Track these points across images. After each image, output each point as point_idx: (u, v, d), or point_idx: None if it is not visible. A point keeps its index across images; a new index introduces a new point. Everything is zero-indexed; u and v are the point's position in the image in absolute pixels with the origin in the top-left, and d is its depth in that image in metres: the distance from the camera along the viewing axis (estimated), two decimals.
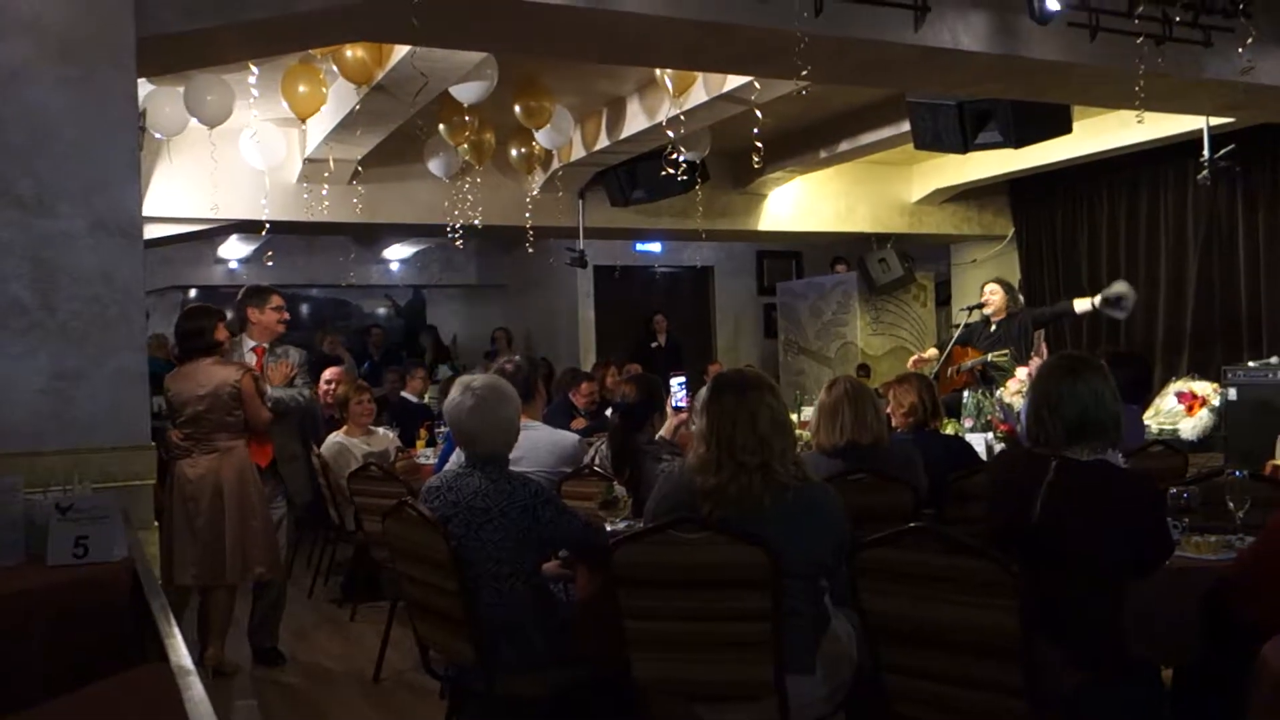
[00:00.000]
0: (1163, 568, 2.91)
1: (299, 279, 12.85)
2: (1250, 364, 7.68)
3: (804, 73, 4.75)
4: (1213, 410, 7.15)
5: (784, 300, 12.03)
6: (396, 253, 13.77)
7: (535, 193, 9.11)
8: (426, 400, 9.24)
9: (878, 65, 5.43)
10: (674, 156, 7.49)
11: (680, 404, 4.76)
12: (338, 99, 6.87)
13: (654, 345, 11.85)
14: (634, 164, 8.68)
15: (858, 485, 3.74)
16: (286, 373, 5.52)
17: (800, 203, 10.33)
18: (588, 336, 12.45)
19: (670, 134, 7.01)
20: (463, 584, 3.24)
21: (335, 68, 6.22)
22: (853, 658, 3.05)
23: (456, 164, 8.11)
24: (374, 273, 13.90)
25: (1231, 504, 3.23)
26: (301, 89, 6.53)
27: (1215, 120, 7.35)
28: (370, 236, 12.30)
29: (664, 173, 7.83)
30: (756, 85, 6.22)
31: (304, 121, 6.81)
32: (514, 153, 8.36)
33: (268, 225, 7.41)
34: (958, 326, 7.78)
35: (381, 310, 14.88)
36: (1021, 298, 8.34)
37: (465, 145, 7.56)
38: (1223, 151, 7.31)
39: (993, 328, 7.52)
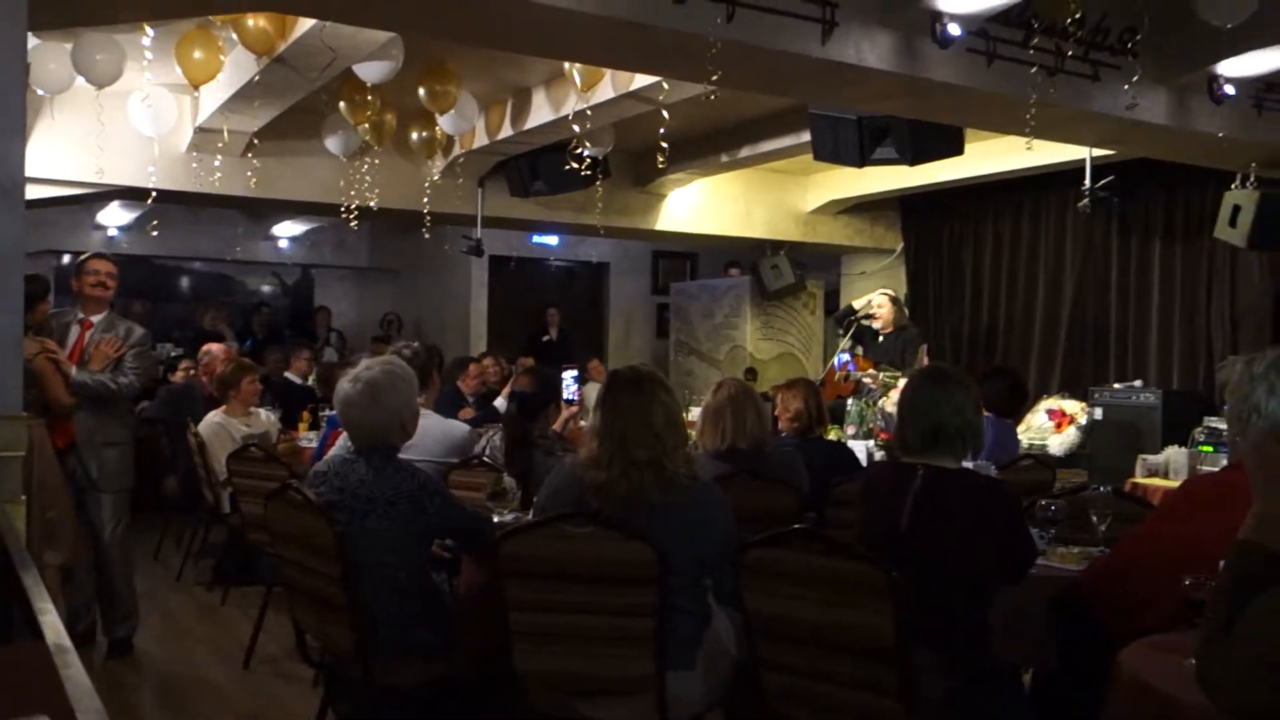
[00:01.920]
0: (1028, 575, 3.01)
1: (182, 251, 12.40)
2: (1116, 385, 8.05)
3: (714, 78, 4.77)
4: (1080, 428, 7.58)
5: (677, 300, 12.00)
6: (286, 230, 13.41)
7: (435, 178, 8.96)
8: (310, 382, 9.03)
9: (785, 75, 5.49)
10: (578, 151, 7.48)
11: (571, 397, 4.76)
12: (235, 68, 6.65)
13: (546, 339, 11.73)
14: (536, 156, 8.59)
15: (741, 487, 3.77)
16: (109, 352, 4.92)
17: (698, 205, 10.34)
18: (479, 326, 12.34)
19: (576, 128, 6.99)
20: (345, 571, 3.19)
21: (235, 35, 6.02)
22: (732, 655, 3.08)
23: (355, 143, 7.94)
24: (262, 249, 13.52)
25: (1095, 518, 3.33)
26: (197, 54, 6.31)
27: (1098, 151, 7.53)
28: (260, 212, 11.95)
29: (567, 167, 7.79)
30: (665, 86, 6.23)
31: (197, 89, 6.59)
32: (415, 136, 8.22)
33: (154, 194, 7.12)
34: (842, 334, 7.88)
35: (267, 288, 14.48)
36: (907, 312, 8.58)
37: (366, 125, 7.41)
38: (1103, 182, 7.52)
39: (880, 339, 7.70)
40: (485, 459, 4.34)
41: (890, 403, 6.44)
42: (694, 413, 5.94)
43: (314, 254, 13.92)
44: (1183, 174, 8.24)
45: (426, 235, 8.90)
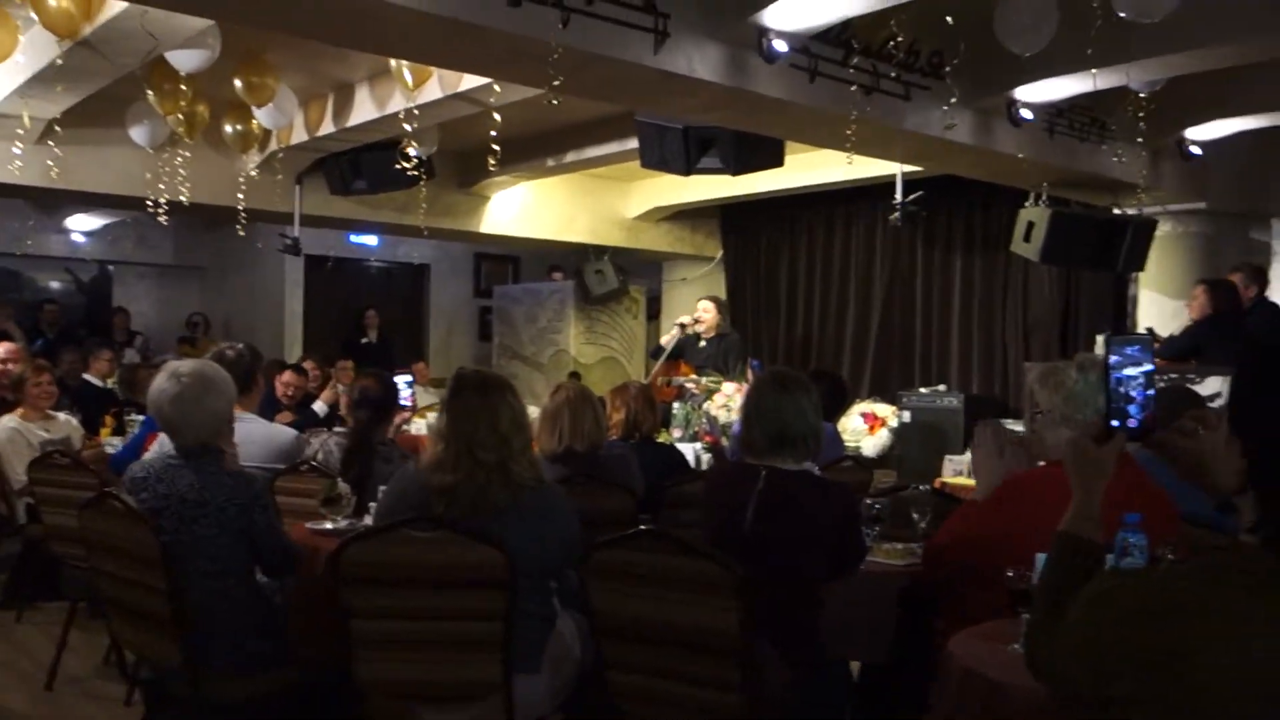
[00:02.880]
0: (856, 572, 3.13)
1: None
2: (922, 390, 8.32)
3: (555, 83, 4.77)
4: (890, 430, 7.77)
5: (500, 304, 11.90)
6: (82, 223, 12.60)
7: (251, 173, 8.63)
8: (111, 385, 8.52)
9: (617, 83, 5.54)
10: (404, 149, 7.36)
11: (406, 402, 4.68)
12: (34, 49, 6.21)
13: (364, 341, 11.47)
14: (358, 153, 8.39)
15: (578, 490, 3.80)
16: None
17: (523, 208, 10.28)
18: (294, 328, 11.93)
19: (407, 127, 6.87)
20: (172, 582, 3.06)
21: (34, 14, 5.62)
22: (576, 657, 3.10)
23: (164, 134, 7.55)
24: (54, 243, 12.68)
25: (915, 515, 3.49)
26: None
27: (908, 167, 7.74)
28: (53, 203, 11.25)
29: (395, 165, 7.65)
30: (496, 88, 6.18)
31: None
32: (230, 129, 7.88)
33: None
34: (666, 340, 7.90)
35: (59, 284, 13.56)
36: (729, 319, 8.55)
37: (177, 116, 7.05)
38: (912, 196, 7.77)
39: (702, 344, 7.76)
40: (315, 464, 4.21)
41: (715, 406, 6.55)
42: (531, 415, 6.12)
43: (113, 249, 13.15)
44: (984, 191, 8.50)
45: (242, 233, 8.59)
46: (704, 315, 7.76)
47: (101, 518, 3.23)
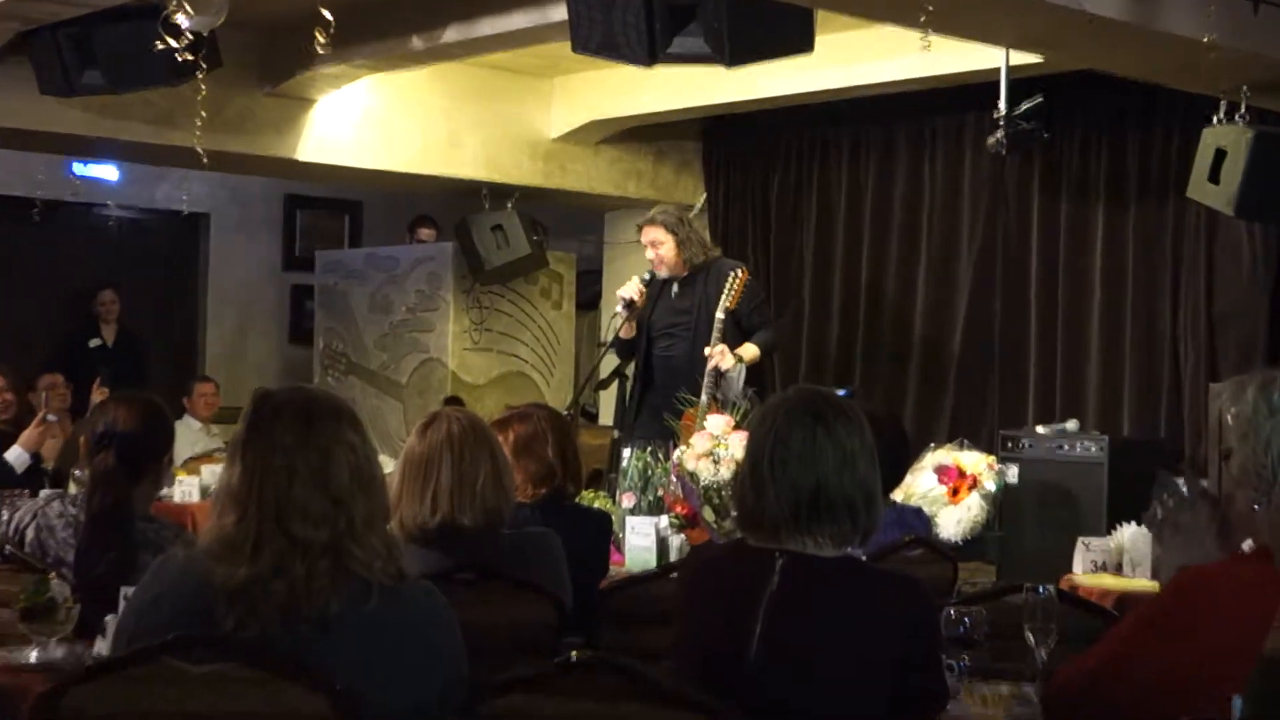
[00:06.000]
0: None
1: None
2: (1039, 429, 6.73)
3: None
4: (987, 495, 6.46)
5: (328, 280, 9.56)
6: None
7: None
8: None
9: None
10: (169, 18, 5.82)
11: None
12: None
13: (95, 344, 9.33)
14: (89, 26, 6.57)
15: (466, 592, 3.07)
16: None
17: (369, 122, 8.15)
18: None
19: None
20: None
21: None
22: None
23: None
24: None
25: (1031, 637, 2.87)
26: None
27: (1021, 57, 6.21)
28: None
29: (152, 46, 6.04)
30: None
31: None
32: None
33: None
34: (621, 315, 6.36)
35: None
36: (707, 233, 7.42)
37: None
38: (1026, 105, 6.25)
39: (673, 289, 6.53)
40: (11, 549, 3.70)
41: (691, 456, 5.10)
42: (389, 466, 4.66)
43: None
44: (1143, 100, 6.94)
45: None
46: (659, 250, 6.23)
47: None
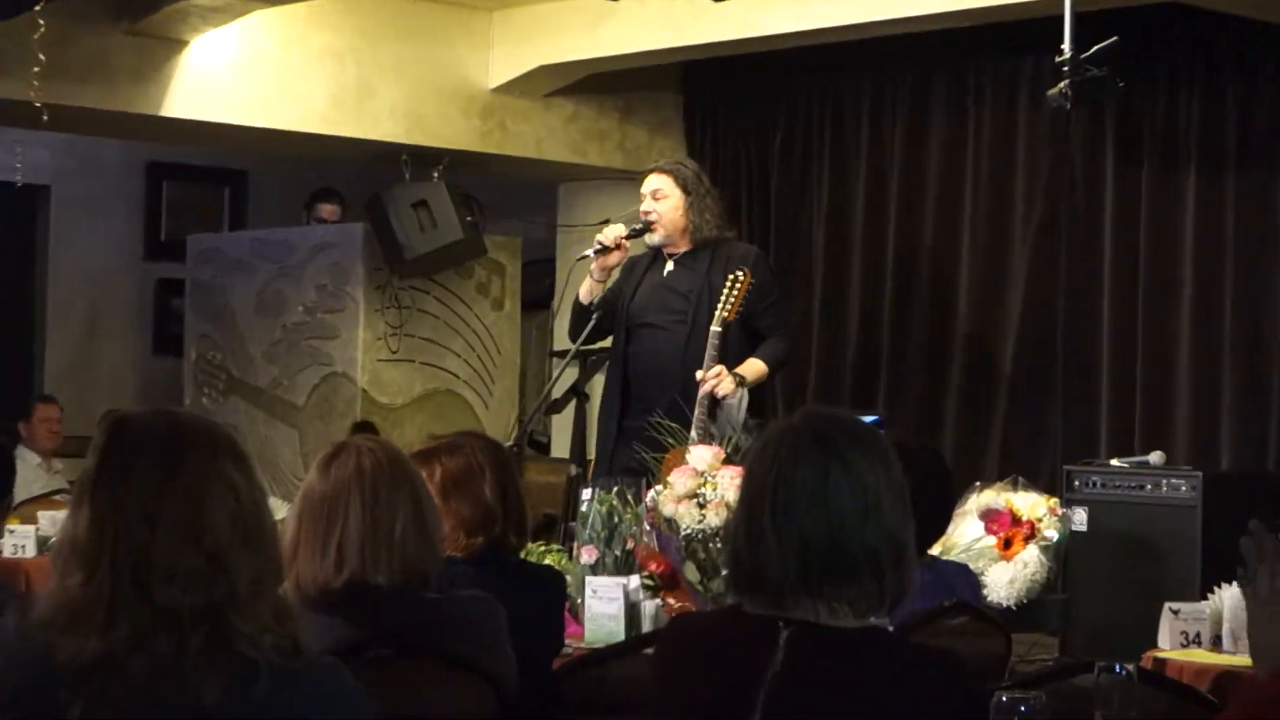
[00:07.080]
0: None
1: None
2: (1114, 463, 6.15)
3: None
4: (1047, 548, 5.94)
5: (202, 273, 8.62)
6: None
7: None
8: None
9: None
10: None
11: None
12: None
13: None
14: None
15: (380, 672, 2.85)
16: None
17: (256, 69, 7.31)
18: None
19: None
20: None
21: None
22: None
23: None
24: None
25: None
26: None
27: None
28: None
29: None
30: None
31: None
32: None
33: None
34: (561, 354, 6.01)
35: None
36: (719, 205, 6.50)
37: None
38: (1100, 46, 5.41)
39: (669, 268, 6.02)
40: None
41: (670, 497, 4.58)
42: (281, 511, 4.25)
43: None
44: (1244, 41, 6.15)
45: None
46: (659, 203, 5.57)
47: None
